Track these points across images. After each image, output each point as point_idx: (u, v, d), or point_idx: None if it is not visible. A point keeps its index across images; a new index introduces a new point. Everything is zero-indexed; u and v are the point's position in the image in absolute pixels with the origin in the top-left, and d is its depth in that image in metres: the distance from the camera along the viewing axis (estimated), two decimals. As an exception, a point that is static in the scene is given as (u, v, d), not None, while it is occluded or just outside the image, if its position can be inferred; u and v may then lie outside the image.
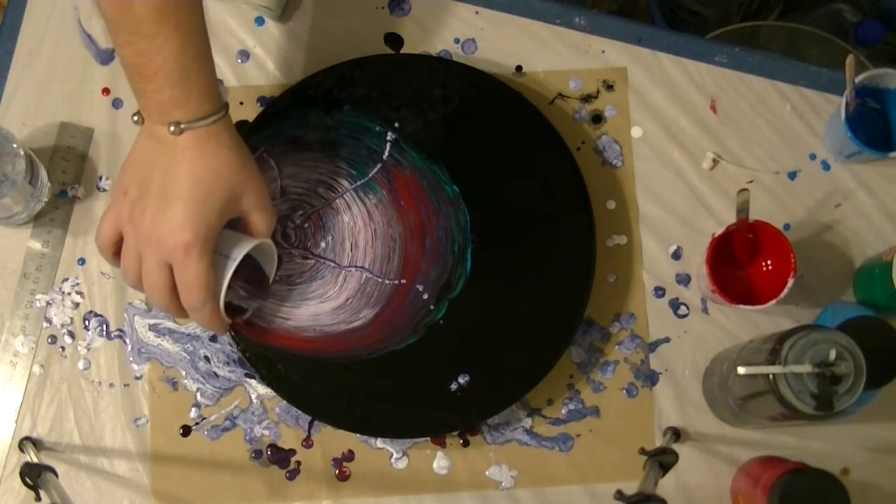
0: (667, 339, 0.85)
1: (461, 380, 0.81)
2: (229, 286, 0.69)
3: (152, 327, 0.84)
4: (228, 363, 0.84)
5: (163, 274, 0.67)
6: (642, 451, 0.74)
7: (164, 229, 0.65)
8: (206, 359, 0.84)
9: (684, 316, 0.85)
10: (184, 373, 0.84)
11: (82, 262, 0.85)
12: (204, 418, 0.83)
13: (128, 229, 0.68)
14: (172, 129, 0.65)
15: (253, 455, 0.83)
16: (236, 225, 0.72)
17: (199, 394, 0.83)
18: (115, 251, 0.70)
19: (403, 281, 0.82)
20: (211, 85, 0.66)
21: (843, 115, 0.81)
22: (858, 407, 0.75)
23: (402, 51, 0.89)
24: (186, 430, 0.83)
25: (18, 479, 0.71)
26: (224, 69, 0.88)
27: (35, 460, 0.76)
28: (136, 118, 0.68)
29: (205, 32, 0.66)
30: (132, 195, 0.67)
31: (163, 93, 0.64)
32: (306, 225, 0.83)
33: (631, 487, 0.69)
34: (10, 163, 0.78)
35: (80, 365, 0.84)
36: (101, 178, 0.87)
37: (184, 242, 0.65)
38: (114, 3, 0.63)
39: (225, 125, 0.67)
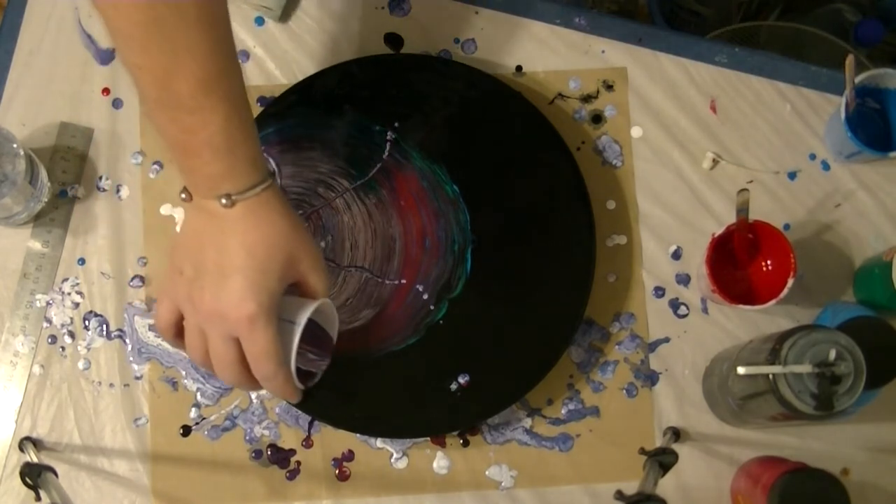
0: (667, 339, 0.85)
1: (461, 380, 0.81)
2: (297, 351, 0.67)
3: (152, 327, 0.84)
4: (228, 363, 0.84)
5: (230, 349, 0.65)
6: (642, 451, 0.74)
7: (225, 304, 0.63)
8: (206, 359, 0.84)
9: (684, 316, 0.85)
10: (184, 373, 0.84)
11: (82, 262, 0.85)
12: (204, 418, 0.83)
13: (188, 309, 0.66)
14: (224, 201, 0.62)
15: (253, 455, 0.83)
16: (291, 290, 0.70)
17: (199, 394, 0.83)
18: (176, 332, 0.68)
19: (403, 281, 0.82)
20: (257, 152, 0.64)
21: (843, 115, 0.81)
22: (858, 407, 0.75)
23: (402, 51, 0.89)
24: (186, 430, 0.83)
25: (18, 479, 0.71)
26: (224, 69, 0.88)
27: (35, 460, 0.76)
28: (183, 196, 0.65)
29: (247, 98, 0.64)
30: (188, 274, 0.65)
31: (211, 167, 0.62)
32: (306, 225, 0.83)
33: (631, 487, 0.69)
34: (10, 163, 0.78)
35: (80, 365, 0.84)
36: (101, 178, 0.87)
37: (248, 314, 0.63)
38: (155, 81, 0.60)
39: (274, 191, 0.65)
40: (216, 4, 0.61)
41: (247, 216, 0.64)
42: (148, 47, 0.59)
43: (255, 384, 0.67)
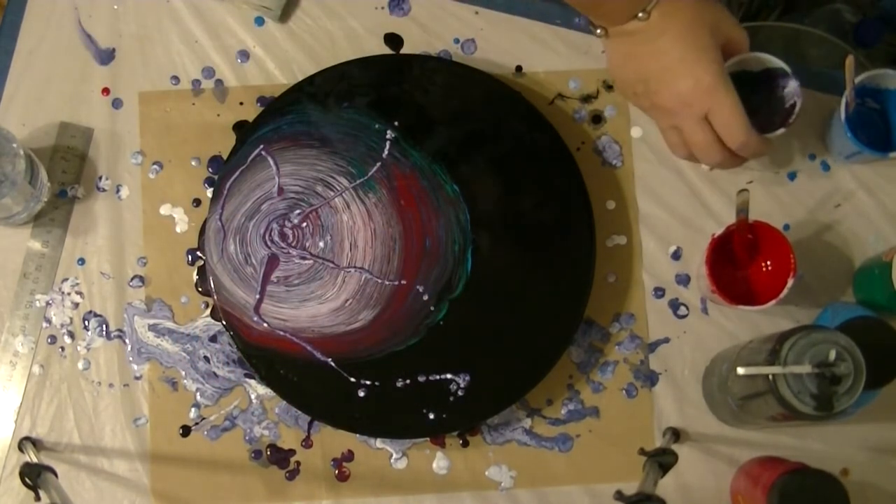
0: (666, 340, 0.85)
1: (461, 380, 0.81)
2: None
3: (152, 327, 0.84)
4: (228, 363, 0.84)
5: (704, 130, 0.74)
6: (642, 452, 0.74)
7: (684, 90, 0.73)
8: (206, 359, 0.84)
9: (684, 316, 0.85)
10: (183, 373, 0.84)
11: (82, 262, 0.85)
12: (204, 418, 0.83)
13: (658, 116, 0.78)
14: (640, 16, 0.73)
15: (253, 455, 0.83)
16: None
17: (198, 394, 0.83)
18: (687, 153, 0.79)
19: (403, 282, 0.82)
20: None
21: (842, 116, 0.81)
22: (858, 407, 0.75)
23: (402, 51, 0.89)
24: (186, 431, 0.83)
25: (18, 479, 0.71)
26: (224, 69, 0.88)
27: (35, 460, 0.76)
28: (598, 32, 0.77)
29: None
30: (640, 89, 0.76)
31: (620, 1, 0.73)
32: (304, 224, 0.83)
33: (631, 488, 0.69)
34: (10, 163, 0.78)
35: (80, 365, 0.84)
36: (100, 178, 0.87)
37: (706, 87, 0.72)
38: None
39: None
40: None
41: (664, 16, 0.74)
42: None
43: (738, 160, 0.77)
